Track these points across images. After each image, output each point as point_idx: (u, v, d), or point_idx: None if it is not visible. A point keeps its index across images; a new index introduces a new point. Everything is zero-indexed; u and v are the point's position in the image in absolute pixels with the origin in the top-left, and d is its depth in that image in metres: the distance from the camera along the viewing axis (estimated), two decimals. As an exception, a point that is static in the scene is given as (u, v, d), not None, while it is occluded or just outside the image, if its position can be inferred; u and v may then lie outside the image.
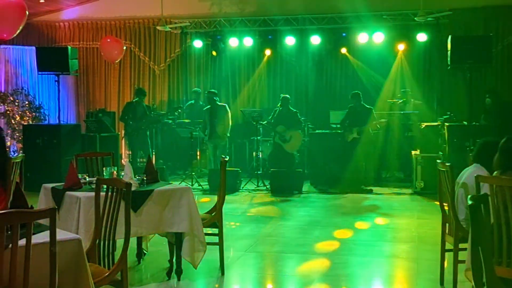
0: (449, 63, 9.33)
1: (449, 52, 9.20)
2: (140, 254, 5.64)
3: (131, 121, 10.88)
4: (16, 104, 13.10)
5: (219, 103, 11.18)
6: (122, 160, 12.16)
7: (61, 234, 2.95)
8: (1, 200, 5.30)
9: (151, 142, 11.19)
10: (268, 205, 9.12)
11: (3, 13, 7.80)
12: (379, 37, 11.79)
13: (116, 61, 13.08)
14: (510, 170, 3.88)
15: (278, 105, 10.93)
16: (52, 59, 10.84)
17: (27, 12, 7.54)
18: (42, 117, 13.37)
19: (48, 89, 13.78)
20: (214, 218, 5.28)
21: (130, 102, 11.31)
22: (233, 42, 12.59)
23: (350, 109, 10.54)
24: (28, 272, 2.66)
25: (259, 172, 10.72)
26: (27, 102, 13.24)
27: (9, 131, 13.06)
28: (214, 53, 12.91)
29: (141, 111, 10.94)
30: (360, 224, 7.64)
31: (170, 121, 12.20)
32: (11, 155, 12.20)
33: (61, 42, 13.83)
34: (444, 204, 4.80)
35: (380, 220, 7.85)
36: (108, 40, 12.70)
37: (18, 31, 7.37)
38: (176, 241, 4.95)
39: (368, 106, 10.51)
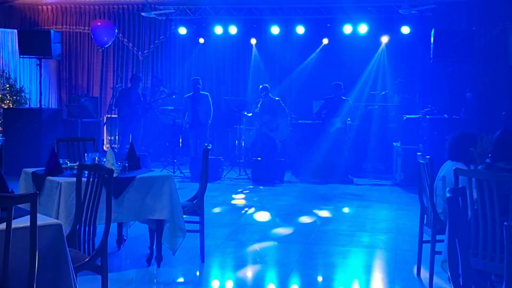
0: (431, 56, 9.41)
1: (432, 46, 9.27)
2: (120, 240, 5.64)
3: (125, 107, 10.74)
4: (-4, 86, 12.96)
5: (202, 92, 11.15)
6: (104, 146, 12.09)
7: (41, 219, 2.94)
8: None
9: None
10: (249, 193, 9.16)
11: None
12: (363, 29, 11.85)
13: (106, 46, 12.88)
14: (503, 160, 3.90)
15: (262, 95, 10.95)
16: (34, 42, 10.68)
17: None
18: (23, 101, 13.22)
19: (29, 73, 13.62)
20: (195, 206, 5.30)
21: (125, 89, 11.17)
22: (218, 30, 12.55)
23: (327, 100, 10.57)
24: (8, 256, 2.66)
25: (241, 161, 10.76)
26: (7, 85, 13.09)
27: (-12, 114, 12.91)
28: (201, 40, 12.85)
29: (135, 98, 10.82)
30: (340, 214, 7.72)
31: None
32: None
33: (43, 26, 13.66)
34: (423, 196, 4.87)
35: (360, 211, 7.93)
36: (99, 23, 12.42)
37: None
38: (156, 228, 4.96)
39: (345, 98, 10.54)
